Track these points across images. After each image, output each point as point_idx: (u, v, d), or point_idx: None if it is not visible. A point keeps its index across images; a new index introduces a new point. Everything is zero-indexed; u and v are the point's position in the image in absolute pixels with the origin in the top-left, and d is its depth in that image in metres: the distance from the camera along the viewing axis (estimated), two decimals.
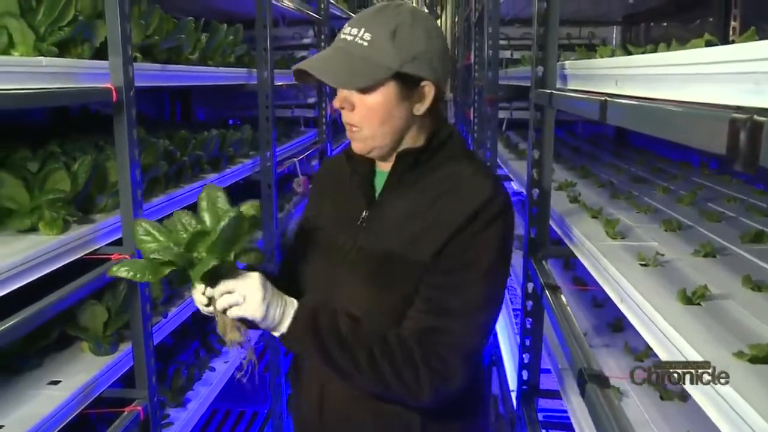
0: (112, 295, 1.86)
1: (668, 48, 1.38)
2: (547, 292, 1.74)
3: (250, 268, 1.24)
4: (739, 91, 0.72)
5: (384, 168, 1.37)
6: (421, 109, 1.29)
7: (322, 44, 4.23)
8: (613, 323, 1.99)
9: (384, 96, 1.26)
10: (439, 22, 10.29)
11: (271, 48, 3.03)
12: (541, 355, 2.20)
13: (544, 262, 1.99)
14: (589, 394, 1.20)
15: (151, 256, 1.17)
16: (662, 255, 1.48)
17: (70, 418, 1.60)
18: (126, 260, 1.23)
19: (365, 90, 1.25)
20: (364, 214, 1.36)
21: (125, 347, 1.87)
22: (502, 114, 4.38)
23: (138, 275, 1.16)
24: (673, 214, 1.90)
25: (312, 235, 1.44)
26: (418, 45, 1.25)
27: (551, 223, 2.06)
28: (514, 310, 3.56)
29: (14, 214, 1.57)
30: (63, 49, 1.65)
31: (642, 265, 1.43)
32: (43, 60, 1.49)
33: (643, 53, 1.59)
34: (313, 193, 1.54)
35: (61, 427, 1.56)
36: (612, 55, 1.75)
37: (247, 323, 1.23)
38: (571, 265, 2.57)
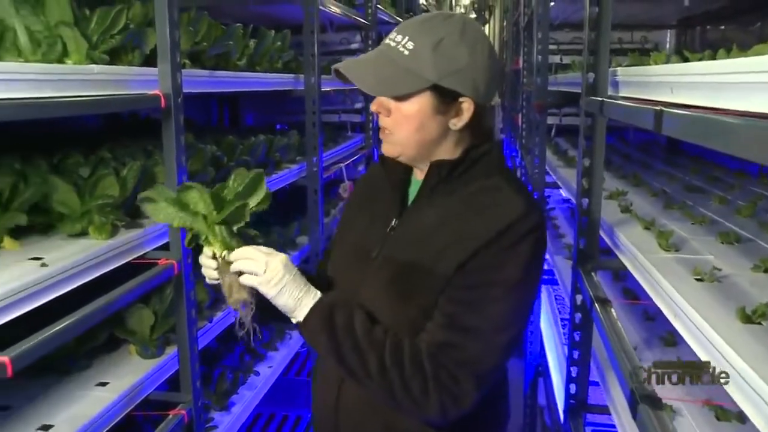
0: (159, 299, 1.88)
1: (728, 54, 1.32)
2: (596, 305, 1.69)
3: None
4: None
5: (420, 177, 1.35)
6: (458, 124, 1.27)
7: (370, 49, 4.23)
8: (666, 337, 1.92)
9: (419, 106, 1.24)
10: (487, 26, 10.21)
11: (319, 53, 3.04)
12: (590, 367, 2.14)
13: (593, 274, 1.94)
14: (641, 415, 1.15)
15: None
16: (719, 270, 1.42)
17: (117, 419, 1.62)
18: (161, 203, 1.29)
19: (400, 98, 1.24)
20: (393, 222, 1.34)
21: (171, 351, 1.90)
22: (551, 120, 4.32)
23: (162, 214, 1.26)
24: (731, 226, 1.83)
25: (343, 239, 1.44)
26: (460, 60, 1.22)
27: (601, 233, 2.00)
28: (562, 320, 3.49)
29: (66, 218, 1.61)
30: (114, 56, 1.68)
31: (697, 279, 1.37)
32: (95, 68, 1.51)
33: (700, 59, 1.54)
34: (352, 199, 1.55)
35: (108, 428, 1.59)
36: (667, 61, 1.69)
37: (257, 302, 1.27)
38: (621, 276, 2.50)
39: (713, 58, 1.46)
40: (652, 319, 2.12)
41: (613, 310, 1.66)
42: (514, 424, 3.83)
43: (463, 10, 10.08)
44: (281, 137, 3.03)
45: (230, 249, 1.26)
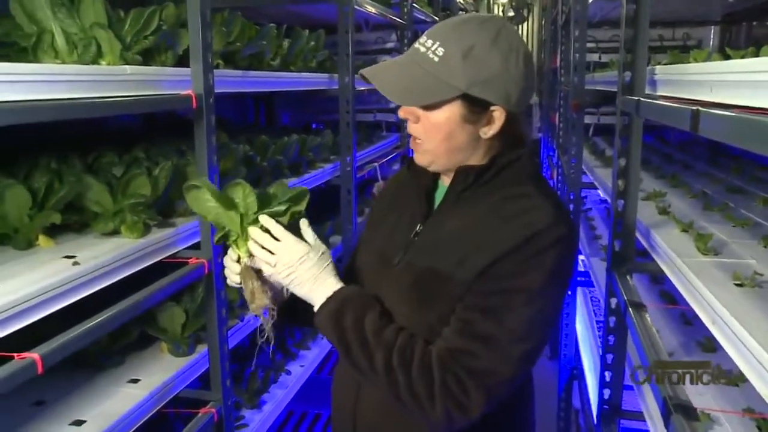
0: (191, 297, 1.90)
1: None
2: (630, 310, 1.65)
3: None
4: None
5: (447, 182, 1.31)
6: (488, 133, 1.22)
7: (405, 48, 4.21)
8: (704, 342, 1.86)
9: (447, 115, 1.20)
10: (525, 25, 10.09)
11: (353, 53, 3.03)
12: (624, 371, 2.09)
13: (628, 277, 1.89)
14: (674, 426, 1.11)
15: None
16: (761, 275, 1.36)
17: (148, 416, 1.64)
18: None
19: (428, 106, 1.20)
20: (418, 227, 1.31)
21: (202, 349, 1.91)
22: (588, 119, 4.24)
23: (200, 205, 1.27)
24: None
25: (368, 243, 1.43)
26: (492, 68, 1.17)
27: (637, 235, 1.95)
28: (597, 323, 3.42)
29: (99, 217, 1.63)
30: (148, 57, 1.70)
31: (737, 285, 1.32)
32: (128, 68, 1.53)
33: (742, 57, 1.49)
34: (378, 202, 1.52)
35: (139, 425, 1.61)
36: (707, 59, 1.64)
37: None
38: (659, 279, 2.43)
39: (756, 55, 1.41)
40: (690, 323, 2.06)
41: (647, 315, 1.61)
42: (548, 427, 3.78)
43: (501, 8, 9.98)
44: (314, 137, 3.03)
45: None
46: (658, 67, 1.77)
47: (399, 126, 4.37)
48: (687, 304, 1.43)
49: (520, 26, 9.93)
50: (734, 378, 1.62)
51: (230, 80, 2.08)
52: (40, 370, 1.17)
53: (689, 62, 1.68)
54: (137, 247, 1.58)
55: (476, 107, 1.19)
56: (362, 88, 3.30)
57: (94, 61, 1.56)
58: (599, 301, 3.35)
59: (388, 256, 1.32)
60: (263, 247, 1.24)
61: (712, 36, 4.34)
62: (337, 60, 3.09)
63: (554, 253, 1.16)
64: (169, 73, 1.68)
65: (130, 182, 1.67)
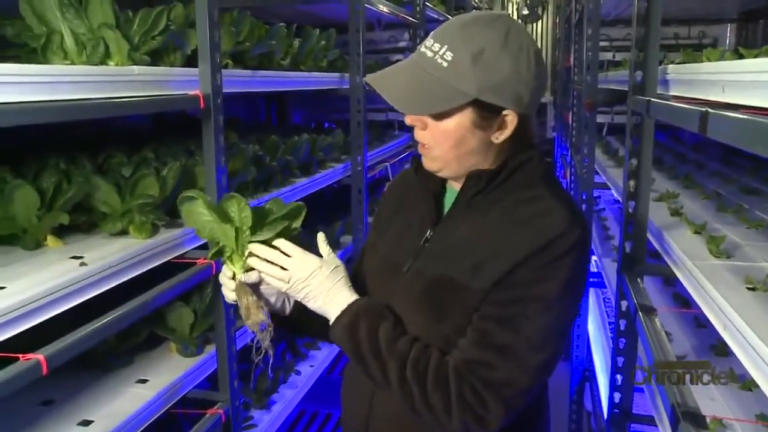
0: (199, 298, 1.90)
1: None
2: (640, 314, 1.62)
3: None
4: None
5: (456, 186, 1.27)
6: (500, 137, 1.19)
7: None
8: (717, 346, 1.84)
9: (458, 122, 1.16)
10: (540, 23, 10.02)
11: (364, 52, 3.02)
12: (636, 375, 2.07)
13: (639, 280, 1.87)
14: None
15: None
16: None
17: (156, 416, 1.65)
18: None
19: (437, 115, 1.17)
20: (428, 233, 1.27)
21: (211, 349, 1.91)
22: (602, 118, 4.20)
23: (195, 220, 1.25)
24: None
25: (375, 250, 1.39)
26: (503, 71, 1.13)
27: (649, 237, 1.93)
28: (610, 323, 3.39)
29: (107, 217, 1.64)
30: (156, 57, 1.70)
31: (749, 289, 1.30)
32: (135, 69, 1.53)
33: (756, 56, 1.47)
34: (383, 205, 1.48)
35: (147, 425, 1.61)
36: (720, 58, 1.61)
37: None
38: (672, 281, 2.40)
39: None
40: (703, 326, 2.03)
41: (657, 319, 1.59)
42: (560, 429, 3.75)
43: (515, 6, 9.90)
44: (325, 136, 3.03)
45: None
46: (670, 66, 1.74)
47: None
48: (699, 308, 1.41)
49: (534, 24, 9.86)
50: (747, 383, 1.60)
51: (239, 80, 2.07)
52: (44, 371, 1.18)
53: (702, 61, 1.66)
54: (145, 248, 1.58)
55: (487, 112, 1.16)
56: None
57: (103, 62, 1.56)
58: (610, 301, 3.32)
59: (397, 262, 1.29)
60: (271, 263, 1.22)
61: (728, 34, 4.29)
62: (348, 59, 3.08)
63: (570, 260, 1.13)
64: (177, 73, 1.68)
65: (139, 182, 1.67)
